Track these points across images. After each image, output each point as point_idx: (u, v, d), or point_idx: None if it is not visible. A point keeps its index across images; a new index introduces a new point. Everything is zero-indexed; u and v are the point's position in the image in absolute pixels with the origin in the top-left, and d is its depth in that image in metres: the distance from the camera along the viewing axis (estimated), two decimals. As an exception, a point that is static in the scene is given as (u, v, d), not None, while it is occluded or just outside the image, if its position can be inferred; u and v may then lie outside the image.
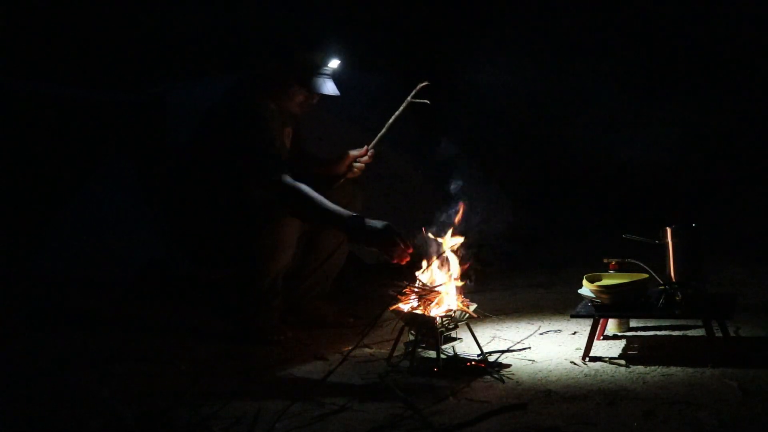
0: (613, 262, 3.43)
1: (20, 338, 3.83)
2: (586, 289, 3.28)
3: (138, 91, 5.32)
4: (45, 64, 6.19)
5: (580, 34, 6.73)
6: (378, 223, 3.35)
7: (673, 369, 3.05)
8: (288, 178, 3.46)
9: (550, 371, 3.12)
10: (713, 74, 6.69)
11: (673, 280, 3.27)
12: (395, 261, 3.35)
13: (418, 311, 3.25)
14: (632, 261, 3.37)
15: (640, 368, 3.09)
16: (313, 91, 3.59)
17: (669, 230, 3.30)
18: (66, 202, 4.94)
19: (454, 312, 3.26)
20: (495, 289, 4.55)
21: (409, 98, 3.75)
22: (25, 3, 6.41)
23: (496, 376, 3.07)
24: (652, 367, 3.09)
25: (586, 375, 3.06)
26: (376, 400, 2.86)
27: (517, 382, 3.02)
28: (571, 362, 3.22)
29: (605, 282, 3.30)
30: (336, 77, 3.64)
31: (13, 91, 5.33)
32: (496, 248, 5.04)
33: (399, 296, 3.30)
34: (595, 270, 3.42)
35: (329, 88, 3.61)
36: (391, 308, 3.29)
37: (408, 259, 3.33)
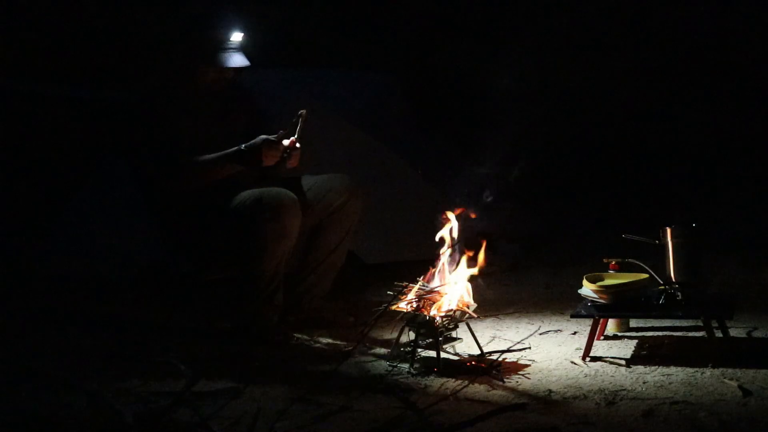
0: (613, 262, 3.43)
1: (20, 338, 3.83)
2: (586, 289, 3.28)
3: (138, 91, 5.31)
4: (45, 64, 6.19)
5: (584, 31, 6.73)
6: (257, 140, 3.54)
7: (673, 369, 3.05)
8: (181, 159, 3.58)
9: (550, 371, 3.12)
10: (714, 73, 6.70)
11: (673, 280, 3.28)
12: (268, 162, 3.54)
13: (418, 311, 3.25)
14: (632, 261, 3.37)
15: (640, 368, 3.09)
16: (218, 66, 3.67)
17: (669, 230, 3.30)
18: (66, 202, 4.94)
19: (454, 312, 3.26)
20: (495, 289, 4.55)
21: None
22: (25, 3, 6.41)
23: (496, 376, 3.07)
24: (652, 367, 3.09)
25: (586, 375, 3.06)
26: (376, 400, 2.86)
27: (517, 382, 3.02)
28: (571, 362, 3.22)
29: (605, 282, 3.30)
30: (243, 49, 3.71)
31: (13, 91, 5.33)
32: (496, 248, 5.04)
33: (399, 296, 3.30)
34: (595, 270, 3.42)
35: (236, 60, 3.68)
36: (391, 308, 3.29)
37: (276, 159, 3.56)
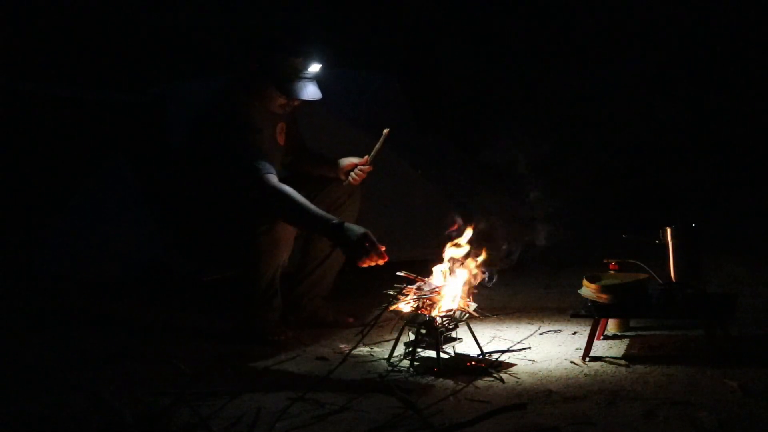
0: (613, 262, 3.43)
1: (20, 338, 3.83)
2: (586, 289, 3.28)
3: (138, 91, 5.32)
4: (45, 64, 6.19)
5: (583, 34, 6.74)
6: (357, 231, 3.30)
7: (673, 369, 3.05)
8: (272, 179, 3.43)
9: (550, 371, 3.12)
10: (714, 74, 6.70)
11: (673, 280, 3.27)
12: (363, 265, 3.32)
13: (418, 311, 3.25)
14: (632, 261, 3.37)
15: (640, 368, 3.09)
16: (290, 97, 3.56)
17: (669, 230, 3.30)
18: (66, 202, 4.94)
19: (454, 312, 3.26)
20: (495, 289, 4.55)
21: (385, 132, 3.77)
22: (26, 3, 6.41)
23: (496, 376, 3.07)
24: (652, 367, 3.09)
25: (586, 375, 3.06)
26: (376, 400, 2.86)
27: (517, 382, 3.02)
28: (571, 362, 3.22)
29: (605, 282, 3.30)
30: (319, 79, 3.61)
31: (13, 91, 5.33)
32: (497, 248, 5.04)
33: (399, 296, 3.30)
34: (595, 270, 3.42)
35: (309, 92, 3.56)
36: (391, 308, 3.29)
37: (375, 262, 3.31)
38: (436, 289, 3.30)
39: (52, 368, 3.30)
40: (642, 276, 3.29)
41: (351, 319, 3.93)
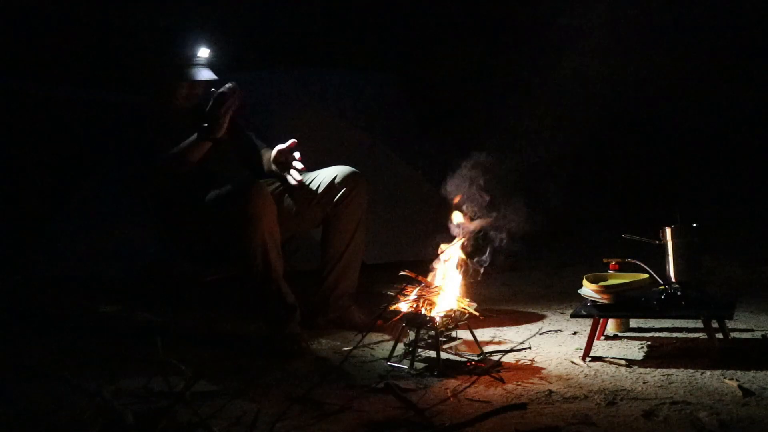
0: (613, 262, 3.44)
1: (20, 338, 3.83)
2: (587, 289, 3.28)
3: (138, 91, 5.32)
4: (45, 64, 6.19)
5: (583, 32, 6.73)
6: (209, 108, 3.55)
7: (673, 369, 3.05)
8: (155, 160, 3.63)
9: (550, 371, 3.12)
10: (715, 73, 6.70)
11: (673, 280, 3.28)
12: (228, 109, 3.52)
13: (418, 311, 3.25)
14: (632, 261, 3.37)
15: (640, 368, 3.10)
16: (190, 79, 3.76)
17: (669, 230, 3.30)
18: (66, 201, 4.94)
19: (454, 312, 3.26)
20: (495, 289, 4.55)
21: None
22: (25, 3, 6.41)
23: (496, 376, 3.07)
24: (652, 367, 3.09)
25: (586, 375, 3.06)
26: (376, 400, 2.86)
27: (517, 382, 3.02)
28: (571, 362, 3.22)
29: (605, 282, 3.30)
30: (210, 65, 3.84)
31: (13, 91, 5.34)
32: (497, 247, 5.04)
33: (399, 296, 3.30)
34: (596, 270, 3.42)
35: (205, 74, 3.80)
36: (391, 308, 3.29)
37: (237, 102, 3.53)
38: (436, 289, 3.30)
39: (52, 368, 3.30)
40: (642, 276, 3.29)
41: (380, 322, 3.82)
